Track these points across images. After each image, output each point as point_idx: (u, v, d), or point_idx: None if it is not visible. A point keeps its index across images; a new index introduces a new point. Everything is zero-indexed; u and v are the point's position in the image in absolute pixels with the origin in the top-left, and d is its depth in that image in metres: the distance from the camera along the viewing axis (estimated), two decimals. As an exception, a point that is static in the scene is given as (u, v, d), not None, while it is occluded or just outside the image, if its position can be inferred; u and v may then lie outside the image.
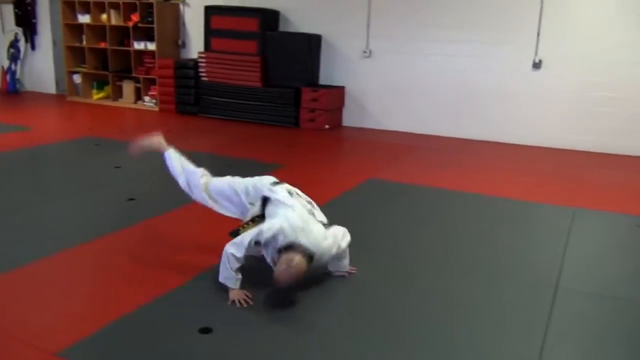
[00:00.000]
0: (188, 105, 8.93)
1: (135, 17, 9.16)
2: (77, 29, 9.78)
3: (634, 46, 6.86)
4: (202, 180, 3.31)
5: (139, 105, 9.57)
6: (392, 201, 4.93)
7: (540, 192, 5.35)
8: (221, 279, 2.95)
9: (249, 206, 3.16)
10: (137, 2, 9.09)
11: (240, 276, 2.93)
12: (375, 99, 8.36)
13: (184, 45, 9.48)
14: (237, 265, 2.89)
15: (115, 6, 9.31)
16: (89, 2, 9.43)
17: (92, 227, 3.96)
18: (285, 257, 2.77)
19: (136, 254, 3.54)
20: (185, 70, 8.86)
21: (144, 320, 2.74)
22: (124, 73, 9.65)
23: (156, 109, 9.32)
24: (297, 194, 3.15)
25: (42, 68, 10.88)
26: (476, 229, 4.29)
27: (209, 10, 8.66)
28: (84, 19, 9.57)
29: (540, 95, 7.38)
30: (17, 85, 10.88)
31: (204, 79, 8.74)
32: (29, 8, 10.60)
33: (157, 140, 3.48)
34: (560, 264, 3.64)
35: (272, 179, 3.22)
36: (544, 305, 3.06)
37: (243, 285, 2.95)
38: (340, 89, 8.48)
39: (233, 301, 2.89)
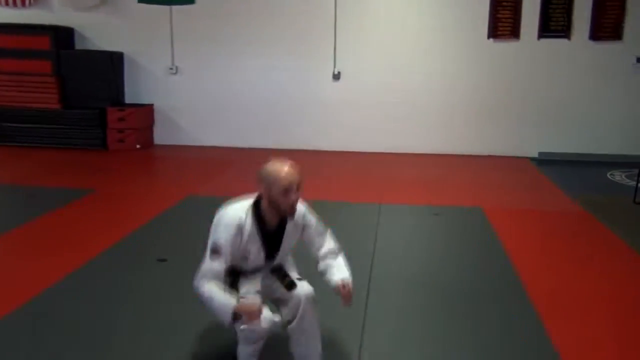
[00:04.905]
0: (-28, 134, 7.96)
1: None
2: None
3: (417, 59, 7.73)
4: None
5: None
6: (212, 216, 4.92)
7: (350, 192, 5.76)
8: (221, 318, 2.31)
9: None
10: None
11: (229, 294, 2.36)
12: (188, 115, 8.26)
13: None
14: (219, 286, 2.37)
15: None
16: None
17: None
18: None
19: None
20: (-34, 95, 7.90)
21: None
22: None
23: None
24: None
25: None
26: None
27: (-10, 28, 7.84)
28: None
29: (340, 103, 7.93)
30: None
31: (-10, 103, 7.88)
32: None
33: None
34: (372, 256, 3.97)
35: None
36: (360, 296, 3.30)
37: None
38: (149, 107, 8.23)
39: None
